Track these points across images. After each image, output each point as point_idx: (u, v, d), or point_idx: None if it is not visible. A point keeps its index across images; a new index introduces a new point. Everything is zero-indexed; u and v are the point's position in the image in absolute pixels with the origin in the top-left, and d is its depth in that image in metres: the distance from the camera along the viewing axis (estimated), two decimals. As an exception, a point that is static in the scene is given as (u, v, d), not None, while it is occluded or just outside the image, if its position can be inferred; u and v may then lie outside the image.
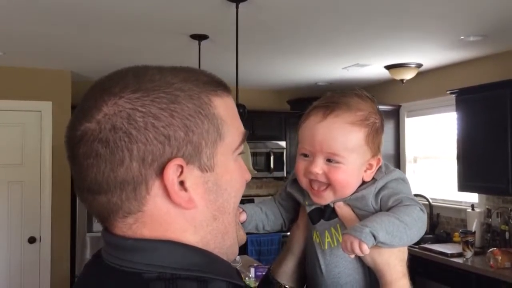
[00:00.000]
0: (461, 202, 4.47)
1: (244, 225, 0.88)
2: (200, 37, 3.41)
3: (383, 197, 0.82)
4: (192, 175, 0.59)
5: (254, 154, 5.38)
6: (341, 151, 0.81)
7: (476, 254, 3.76)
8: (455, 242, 4.17)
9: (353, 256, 0.78)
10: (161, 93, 0.58)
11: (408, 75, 4.47)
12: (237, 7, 2.65)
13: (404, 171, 5.18)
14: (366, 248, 0.74)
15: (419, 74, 4.59)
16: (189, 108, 0.58)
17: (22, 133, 4.43)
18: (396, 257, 0.81)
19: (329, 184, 0.83)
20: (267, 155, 5.70)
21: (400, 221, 0.78)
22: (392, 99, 5.35)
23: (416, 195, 4.65)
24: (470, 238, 3.77)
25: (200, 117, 0.59)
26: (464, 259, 3.72)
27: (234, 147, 0.63)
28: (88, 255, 4.63)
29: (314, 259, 0.87)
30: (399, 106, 5.28)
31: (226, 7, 2.72)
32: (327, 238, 0.85)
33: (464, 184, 4.06)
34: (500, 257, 3.42)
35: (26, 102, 4.39)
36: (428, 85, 4.83)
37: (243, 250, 4.80)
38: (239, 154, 0.65)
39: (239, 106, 3.04)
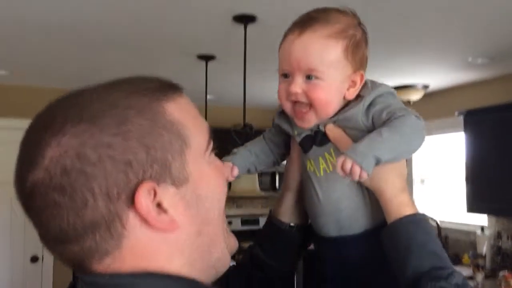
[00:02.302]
0: (469, 224, 4.41)
1: (238, 175, 0.86)
2: (207, 58, 3.41)
3: (375, 114, 0.78)
4: (168, 194, 0.54)
5: (259, 174, 5.35)
6: (319, 66, 0.77)
7: (486, 277, 3.69)
8: (464, 264, 4.10)
9: (348, 179, 0.75)
10: (107, 117, 0.52)
11: (415, 96, 4.45)
12: (245, 28, 2.65)
13: (411, 193, 5.12)
14: (365, 176, 0.70)
15: (426, 95, 4.57)
16: (143, 124, 0.53)
17: (27, 151, 4.42)
18: (394, 173, 0.77)
19: (310, 105, 0.79)
20: (273, 175, 5.66)
21: (401, 135, 0.73)
22: (399, 119, 5.32)
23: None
24: (480, 261, 3.70)
25: (157, 130, 0.53)
26: (475, 282, 3.64)
27: (203, 148, 0.59)
28: (91, 275, 4.58)
29: (310, 189, 0.84)
30: (406, 126, 5.24)
31: (234, 28, 2.72)
32: (322, 164, 0.82)
33: (473, 206, 4.00)
34: (511, 281, 3.35)
35: (26, 120, 4.35)
36: (435, 106, 4.81)
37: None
38: (212, 151, 0.61)
39: (246, 126, 3.02)
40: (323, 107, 0.78)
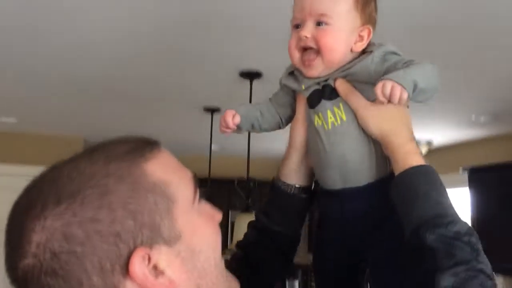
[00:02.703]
0: (477, 283, 4.29)
1: (240, 125, 0.87)
2: (213, 110, 3.47)
3: (389, 67, 0.79)
4: (162, 255, 0.53)
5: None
6: (329, 11, 0.80)
7: None
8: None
9: (356, 132, 0.78)
10: (87, 190, 0.51)
11: (419, 151, 4.47)
12: (251, 84, 2.72)
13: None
14: (406, 97, 0.71)
15: (430, 151, 4.59)
16: (125, 191, 0.52)
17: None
18: (402, 124, 0.78)
19: (318, 52, 0.80)
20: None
21: (424, 70, 0.76)
22: (403, 174, 5.31)
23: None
24: (488, 324, 3.57)
25: (140, 193, 0.53)
26: None
27: (191, 200, 0.58)
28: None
29: (317, 142, 0.84)
30: (410, 182, 5.22)
31: (240, 83, 2.79)
32: (330, 118, 0.82)
33: (480, 265, 3.90)
34: None
35: (34, 167, 4.39)
36: (439, 161, 4.81)
37: None
38: (200, 199, 0.60)
39: (249, 180, 3.02)
40: (330, 53, 0.80)
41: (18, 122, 4.10)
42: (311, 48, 0.81)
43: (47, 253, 0.49)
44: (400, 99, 0.71)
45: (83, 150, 0.58)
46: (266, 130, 0.93)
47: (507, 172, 3.73)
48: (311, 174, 0.91)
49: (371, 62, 0.80)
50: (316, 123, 0.84)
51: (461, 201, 4.43)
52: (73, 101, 3.40)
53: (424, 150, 4.48)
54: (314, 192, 0.91)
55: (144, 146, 0.58)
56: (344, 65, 0.82)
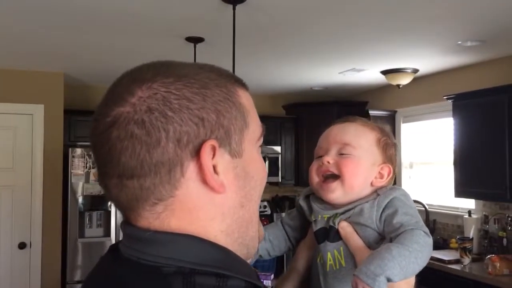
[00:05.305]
0: (457, 208, 4.44)
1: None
2: (195, 40, 3.37)
3: (387, 217, 0.84)
4: (223, 160, 0.59)
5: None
6: (353, 142, 0.87)
7: (474, 260, 3.73)
8: (452, 248, 4.14)
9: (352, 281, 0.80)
10: (191, 79, 0.60)
11: (404, 80, 4.44)
12: (233, 9, 2.61)
13: (400, 177, 5.15)
14: None
15: (415, 79, 4.57)
16: (219, 94, 0.60)
17: (13, 136, 4.36)
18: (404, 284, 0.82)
19: (337, 178, 0.86)
20: (275, 161, 5.66)
21: (410, 251, 0.78)
22: (388, 104, 5.33)
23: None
24: (467, 245, 3.74)
25: (228, 103, 0.60)
26: (462, 265, 3.68)
27: (257, 137, 0.65)
28: (79, 261, 4.55)
29: (316, 279, 0.88)
30: (395, 112, 5.26)
31: (222, 9, 2.68)
32: (330, 261, 0.86)
33: (461, 190, 4.03)
34: (498, 264, 3.39)
35: (17, 105, 4.32)
36: (424, 90, 4.82)
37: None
38: (260, 146, 0.67)
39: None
40: (350, 179, 0.86)
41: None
42: (331, 176, 0.86)
43: (144, 106, 0.57)
44: None
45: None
46: (275, 256, 0.96)
47: (491, 96, 3.74)
48: None
49: (376, 210, 0.84)
50: (318, 259, 0.88)
51: (445, 130, 4.48)
52: (53, 34, 3.26)
53: (409, 78, 4.46)
54: None
55: (239, 80, 0.66)
56: (355, 201, 0.86)
